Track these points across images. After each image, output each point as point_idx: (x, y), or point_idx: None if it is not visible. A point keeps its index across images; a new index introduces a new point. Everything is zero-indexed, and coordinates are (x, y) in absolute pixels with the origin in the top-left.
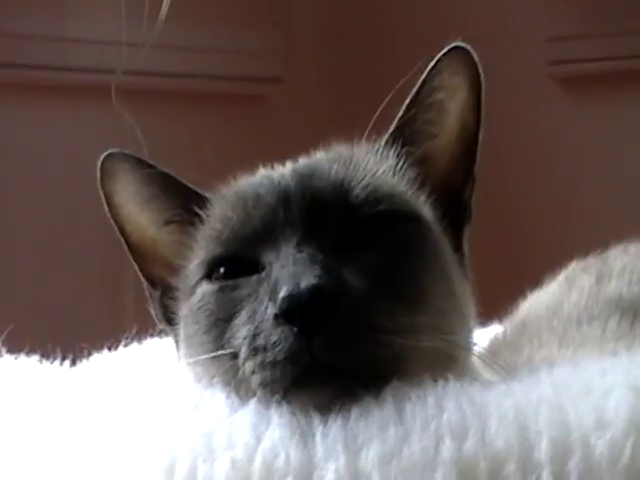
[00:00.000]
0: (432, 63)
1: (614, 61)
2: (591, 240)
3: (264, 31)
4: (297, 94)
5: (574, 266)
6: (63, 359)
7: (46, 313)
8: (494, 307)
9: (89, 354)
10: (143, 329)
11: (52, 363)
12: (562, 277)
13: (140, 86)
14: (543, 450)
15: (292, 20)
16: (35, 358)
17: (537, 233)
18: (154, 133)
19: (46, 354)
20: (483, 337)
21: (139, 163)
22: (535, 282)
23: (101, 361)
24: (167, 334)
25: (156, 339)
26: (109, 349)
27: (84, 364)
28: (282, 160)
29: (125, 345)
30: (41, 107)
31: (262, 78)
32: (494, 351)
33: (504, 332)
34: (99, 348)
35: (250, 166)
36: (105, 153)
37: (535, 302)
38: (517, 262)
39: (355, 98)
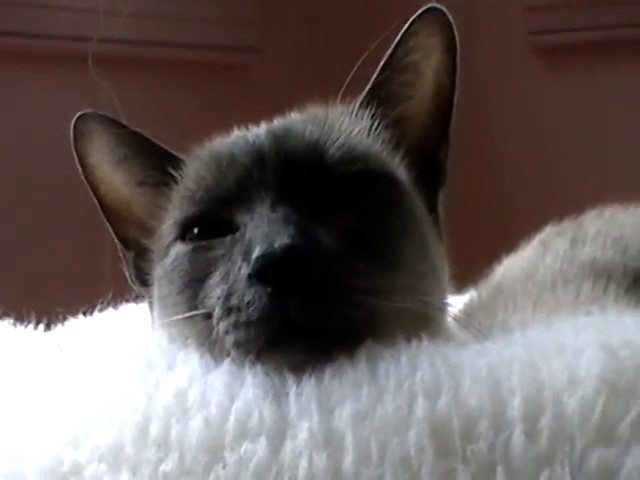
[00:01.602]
0: (407, 24)
1: (593, 31)
2: (567, 205)
3: (243, 0)
4: (276, 63)
5: (549, 230)
6: (37, 323)
7: (20, 276)
8: (470, 271)
9: (64, 318)
10: (119, 294)
11: (26, 327)
12: (537, 241)
13: (118, 54)
14: (515, 408)
15: None
16: (9, 322)
17: (513, 198)
18: (132, 102)
19: (20, 318)
20: (459, 303)
21: (113, 124)
22: (510, 246)
23: (76, 326)
24: (142, 296)
25: (132, 304)
26: (84, 314)
27: (59, 328)
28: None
29: (100, 310)
30: (17, 75)
31: (241, 47)
32: (469, 314)
33: (479, 295)
34: (74, 313)
35: (230, 132)
36: (78, 114)
37: (510, 266)
38: (493, 226)
39: (334, 67)
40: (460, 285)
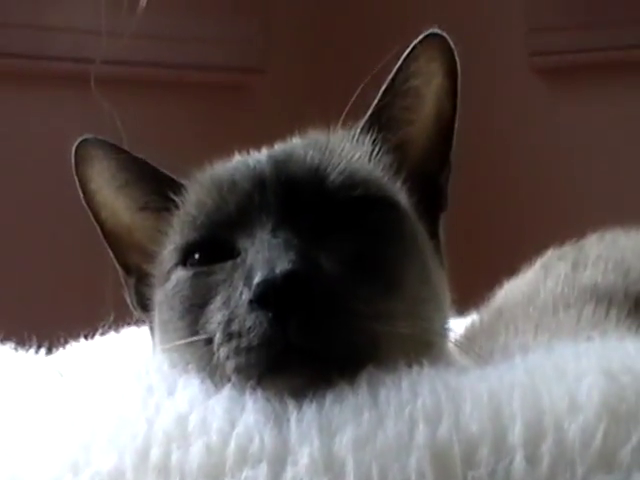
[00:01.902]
0: (408, 49)
1: (594, 52)
2: (568, 228)
3: (245, 21)
4: (278, 84)
5: (550, 254)
6: (39, 347)
7: (22, 300)
8: (471, 295)
9: (65, 342)
10: (120, 317)
11: (27, 351)
12: (538, 265)
13: (120, 75)
14: (516, 434)
15: (273, 10)
16: (10, 346)
17: (514, 221)
18: (134, 123)
19: (22, 342)
20: (460, 326)
21: (114, 149)
22: (512, 270)
23: (77, 349)
24: (143, 321)
25: (133, 328)
26: (85, 337)
27: (60, 352)
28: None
29: (102, 333)
30: (20, 96)
31: (243, 68)
32: (470, 338)
33: (480, 319)
34: (75, 336)
35: (229, 156)
36: (79, 139)
37: (512, 289)
38: (494, 250)
39: (336, 88)
40: (462, 308)
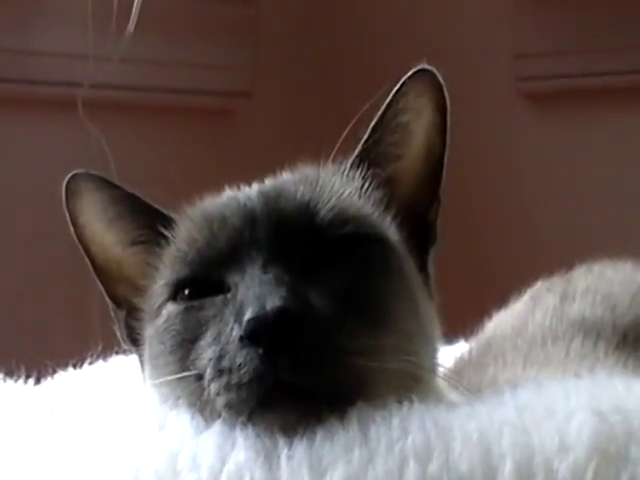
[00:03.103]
0: (397, 86)
1: (582, 78)
2: (557, 259)
3: (232, 45)
4: (265, 109)
5: (539, 286)
6: (27, 377)
7: (10, 330)
8: (460, 327)
9: (54, 372)
10: (108, 346)
11: (16, 381)
12: (527, 297)
13: (107, 100)
14: (506, 473)
15: (260, 35)
16: None
17: (504, 252)
18: (121, 147)
19: (10, 372)
20: (449, 355)
21: (105, 183)
22: (501, 302)
23: (66, 379)
24: (132, 354)
25: (122, 357)
26: (74, 367)
27: (49, 382)
28: (250, 175)
29: (90, 363)
30: (7, 120)
31: (230, 92)
32: (459, 371)
33: (469, 351)
34: (64, 366)
35: (218, 181)
36: (70, 174)
37: (500, 322)
38: (483, 281)
39: (323, 114)
40: (450, 338)
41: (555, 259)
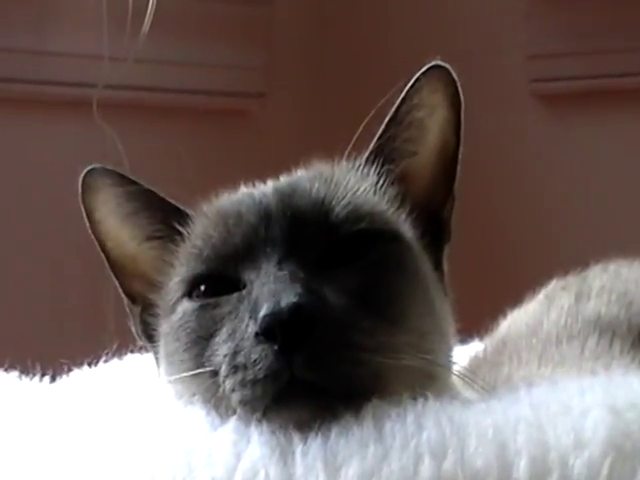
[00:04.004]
0: (411, 82)
1: (595, 79)
2: (572, 258)
3: (246, 46)
4: (279, 109)
5: (554, 284)
6: (43, 375)
7: (26, 328)
8: (475, 325)
9: (69, 370)
10: (124, 345)
11: (32, 379)
12: (542, 296)
13: (122, 100)
14: (521, 470)
15: (274, 35)
16: (14, 374)
17: (518, 251)
18: (136, 148)
19: (25, 370)
20: (464, 354)
21: (121, 179)
22: (515, 300)
23: (81, 377)
24: (146, 349)
25: (137, 355)
26: (89, 365)
27: (64, 380)
28: (264, 175)
29: (105, 361)
30: (22, 120)
31: (244, 93)
32: (474, 369)
33: (484, 350)
34: (79, 364)
35: (232, 181)
36: (87, 168)
37: (515, 320)
38: (498, 280)
39: (337, 114)
40: (465, 337)
41: (570, 258)
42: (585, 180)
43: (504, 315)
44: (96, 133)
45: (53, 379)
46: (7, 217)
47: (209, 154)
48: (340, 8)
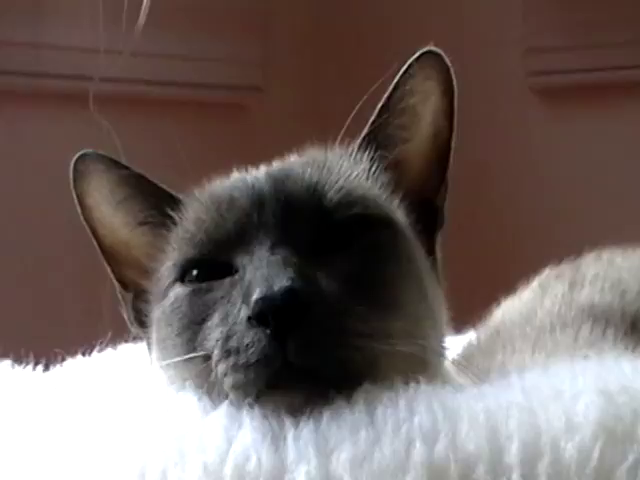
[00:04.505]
0: (404, 67)
1: (592, 73)
2: (566, 247)
3: (243, 39)
4: (276, 103)
5: (548, 273)
6: (36, 364)
7: (20, 317)
8: (469, 313)
9: (63, 359)
10: (118, 334)
11: (25, 368)
12: (536, 284)
13: (118, 94)
14: (513, 453)
15: (271, 29)
16: (7, 363)
17: (512, 240)
18: (132, 141)
19: (19, 359)
20: (458, 344)
21: (113, 164)
22: (509, 289)
23: (75, 366)
24: (140, 337)
25: (131, 344)
26: (83, 354)
27: (57, 369)
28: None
29: (99, 350)
30: (18, 113)
31: (241, 86)
32: (467, 357)
33: (478, 338)
34: (73, 353)
35: (229, 174)
36: (78, 154)
37: (509, 308)
38: (492, 268)
39: (335, 106)
40: (459, 326)
41: (564, 247)
42: (581, 172)
43: (498, 303)
44: (92, 126)
45: (47, 368)
46: (3, 209)
47: (206, 148)
48: (337, 1)
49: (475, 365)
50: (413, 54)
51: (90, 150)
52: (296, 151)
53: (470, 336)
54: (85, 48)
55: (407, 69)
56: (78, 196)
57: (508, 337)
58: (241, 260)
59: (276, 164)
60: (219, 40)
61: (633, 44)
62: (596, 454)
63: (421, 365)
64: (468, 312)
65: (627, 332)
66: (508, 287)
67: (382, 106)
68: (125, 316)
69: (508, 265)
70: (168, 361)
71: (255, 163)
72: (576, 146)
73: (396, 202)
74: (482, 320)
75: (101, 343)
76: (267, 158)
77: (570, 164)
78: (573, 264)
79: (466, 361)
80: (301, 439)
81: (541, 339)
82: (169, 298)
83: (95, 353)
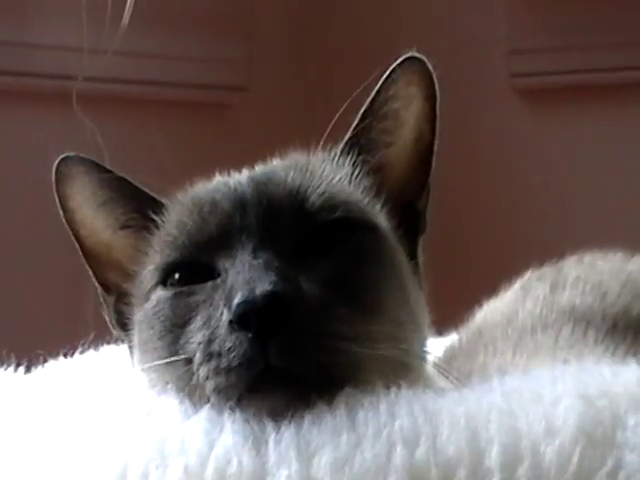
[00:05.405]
0: (387, 72)
1: (576, 74)
2: (548, 250)
3: (228, 39)
4: (261, 103)
5: (529, 275)
6: (18, 365)
7: (1, 318)
8: (451, 316)
9: (44, 361)
10: (100, 336)
11: (6, 369)
12: (518, 286)
13: (102, 93)
14: (493, 457)
15: (256, 29)
16: None
17: (495, 242)
18: (116, 140)
19: (0, 360)
20: (440, 346)
21: (95, 167)
22: (491, 291)
23: (57, 368)
24: (122, 340)
25: (113, 346)
26: (65, 356)
27: (39, 371)
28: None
29: (81, 352)
30: (1, 113)
31: (225, 86)
32: (449, 358)
33: (460, 339)
34: (55, 355)
35: (213, 175)
36: (61, 157)
37: (491, 310)
38: (474, 270)
39: (319, 108)
40: (441, 329)
41: (546, 250)
42: (564, 174)
43: (480, 305)
44: (76, 125)
45: (28, 369)
46: None
47: (190, 147)
48: (321, 2)
49: (457, 367)
50: (396, 56)
51: (72, 153)
52: (280, 151)
53: (452, 338)
54: (69, 47)
55: (390, 74)
56: (60, 198)
57: (490, 338)
58: (223, 264)
59: (259, 168)
60: (203, 40)
61: (616, 46)
62: (576, 458)
63: (403, 369)
64: (450, 314)
65: (608, 334)
66: (490, 289)
67: (365, 110)
68: (107, 318)
69: (491, 267)
70: (150, 364)
71: (239, 163)
72: (560, 147)
73: (378, 206)
74: (464, 321)
75: (83, 345)
76: (251, 157)
77: (554, 165)
78: (555, 266)
79: (448, 362)
80: (282, 442)
81: (522, 340)
82: (151, 301)
83: (77, 355)
